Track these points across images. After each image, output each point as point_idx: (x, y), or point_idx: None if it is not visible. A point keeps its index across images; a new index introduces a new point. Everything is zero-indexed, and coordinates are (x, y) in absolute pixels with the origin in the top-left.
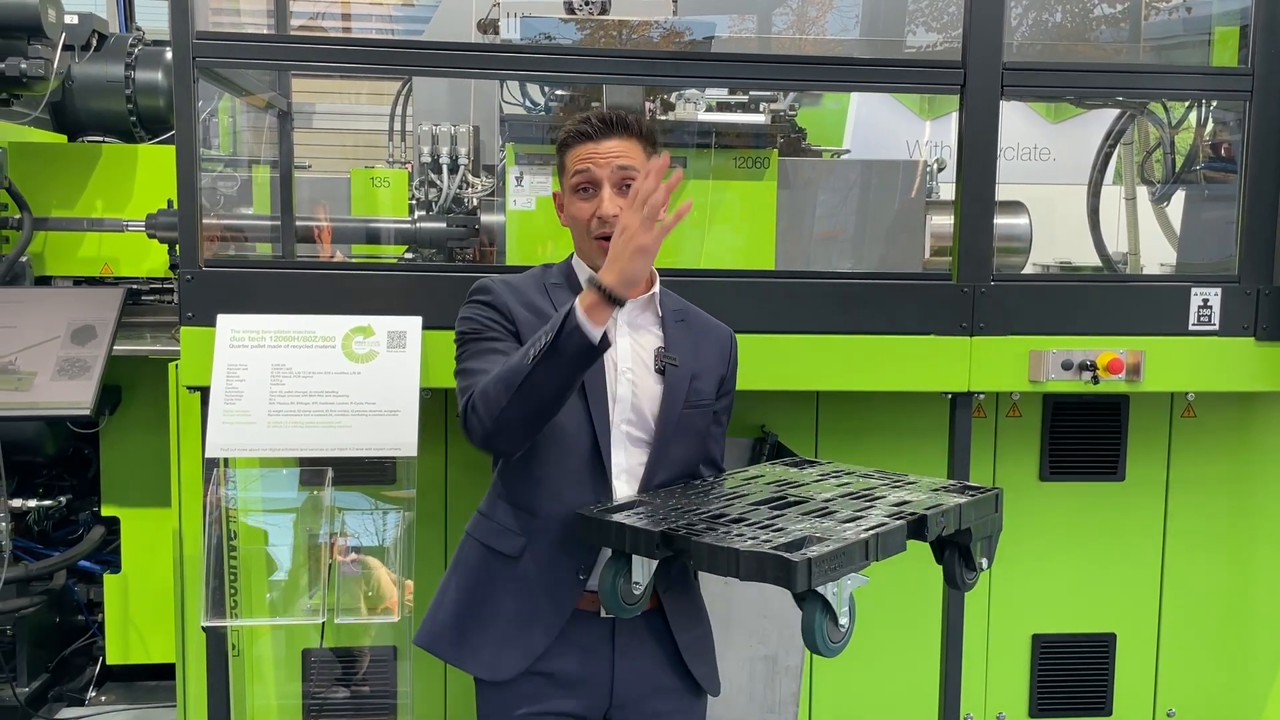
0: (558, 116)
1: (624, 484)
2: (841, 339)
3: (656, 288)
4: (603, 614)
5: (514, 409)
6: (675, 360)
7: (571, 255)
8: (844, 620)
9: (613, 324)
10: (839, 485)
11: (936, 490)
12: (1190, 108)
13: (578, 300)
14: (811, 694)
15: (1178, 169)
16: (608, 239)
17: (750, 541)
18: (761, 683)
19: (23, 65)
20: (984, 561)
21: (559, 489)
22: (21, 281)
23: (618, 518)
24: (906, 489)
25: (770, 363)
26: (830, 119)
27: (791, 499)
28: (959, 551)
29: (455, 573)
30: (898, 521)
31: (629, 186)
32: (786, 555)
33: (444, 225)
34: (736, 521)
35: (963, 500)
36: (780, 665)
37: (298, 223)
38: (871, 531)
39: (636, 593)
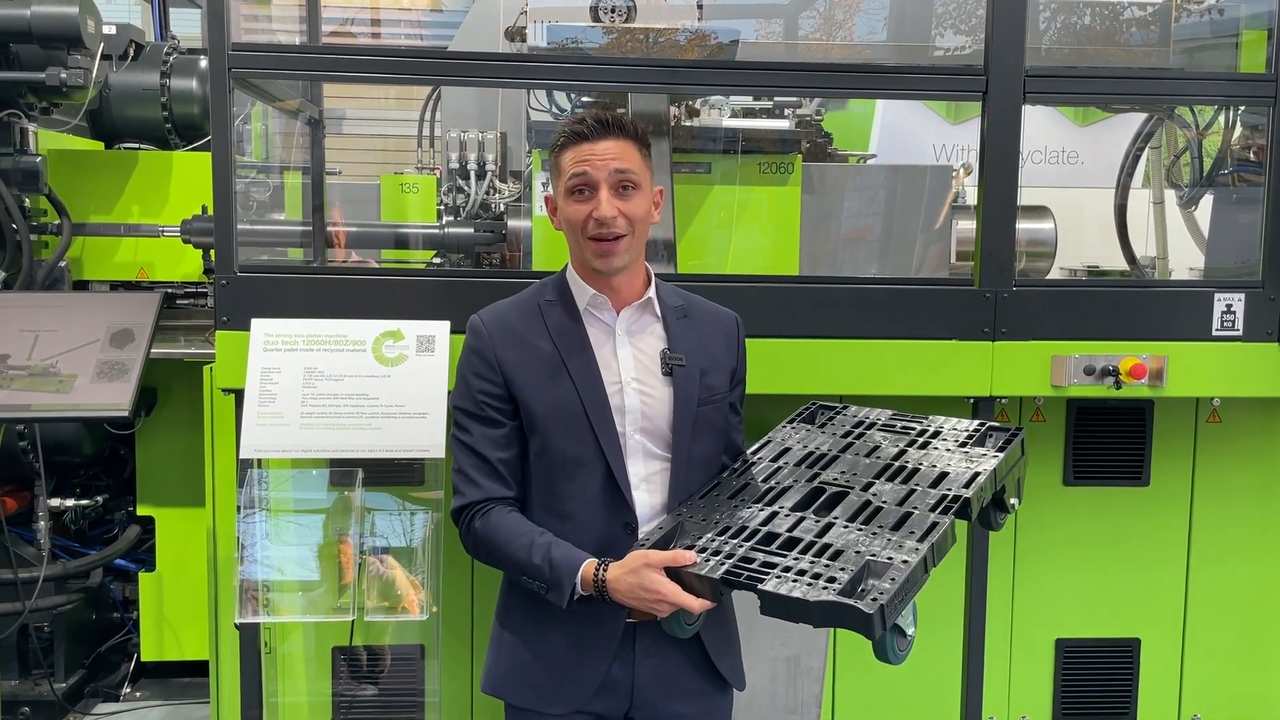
0: None
1: (644, 493)
2: (864, 344)
3: (652, 290)
4: (627, 617)
5: (499, 568)
6: (682, 360)
7: (566, 266)
8: (910, 631)
9: (610, 336)
10: (869, 458)
11: (964, 445)
12: (1218, 111)
13: (579, 580)
14: (834, 696)
15: (1205, 172)
16: (602, 240)
17: (813, 582)
18: (784, 684)
19: (63, 75)
20: (1014, 502)
21: (587, 520)
22: (60, 285)
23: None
24: (935, 448)
25: (793, 367)
26: (856, 123)
27: (830, 490)
28: (992, 498)
29: (508, 616)
30: (945, 519)
31: (626, 189)
32: (860, 606)
33: (471, 230)
34: (789, 546)
35: (996, 461)
36: (802, 667)
37: (328, 228)
38: (927, 542)
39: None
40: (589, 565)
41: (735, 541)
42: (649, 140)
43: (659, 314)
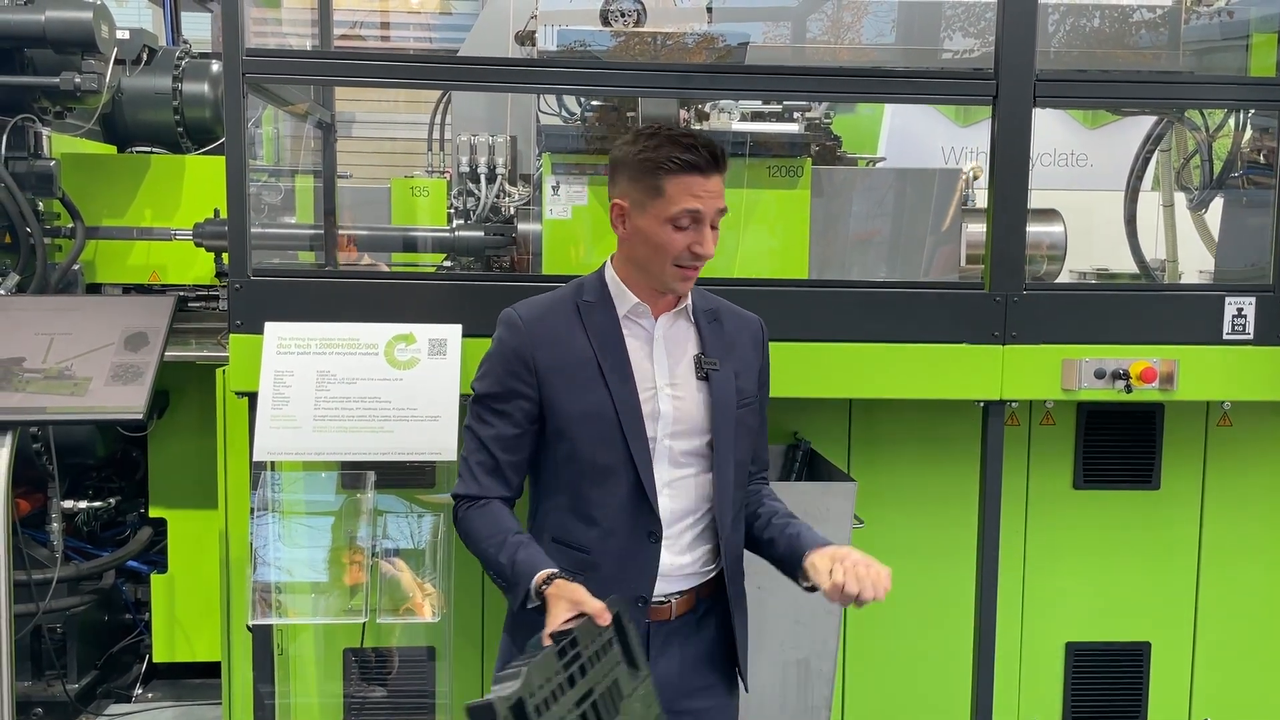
0: (593, 126)
1: (666, 499)
2: (874, 347)
3: (689, 298)
4: (643, 618)
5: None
6: (716, 364)
7: (603, 267)
8: None
9: (648, 342)
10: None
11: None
12: (1228, 114)
13: (532, 586)
14: (844, 699)
15: (1215, 175)
16: (688, 268)
17: None
18: (794, 687)
19: (77, 80)
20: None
21: (612, 527)
22: (74, 289)
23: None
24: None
25: (803, 370)
26: (865, 126)
27: None
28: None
29: (516, 624)
30: None
31: (716, 225)
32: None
33: (482, 234)
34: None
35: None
36: (813, 670)
37: (340, 232)
38: None
39: None
40: (541, 575)
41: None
42: None
43: (692, 318)
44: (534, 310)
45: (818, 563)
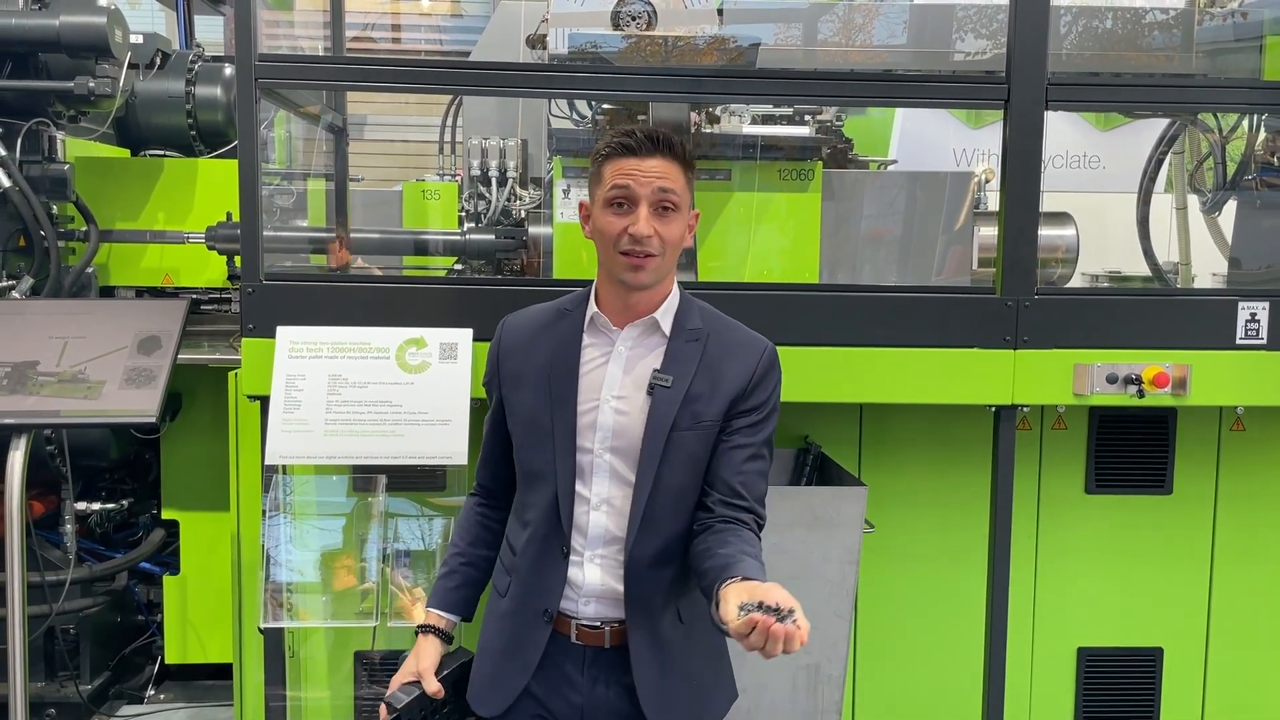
0: (604, 130)
1: (603, 515)
2: (885, 351)
3: (664, 309)
4: (574, 639)
5: None
6: (666, 381)
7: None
8: None
9: (607, 351)
10: None
11: None
12: (1242, 116)
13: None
14: (854, 703)
15: (1229, 178)
16: (632, 255)
17: None
18: (804, 691)
19: (91, 84)
20: None
21: (536, 534)
22: (87, 292)
23: None
24: None
25: (814, 375)
26: (876, 128)
27: None
28: None
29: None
30: None
31: (666, 209)
32: None
33: (492, 237)
34: None
35: None
36: (823, 674)
37: (352, 235)
38: None
39: None
40: (429, 615)
41: None
42: (694, 162)
43: (666, 333)
44: (519, 318)
45: (729, 594)
